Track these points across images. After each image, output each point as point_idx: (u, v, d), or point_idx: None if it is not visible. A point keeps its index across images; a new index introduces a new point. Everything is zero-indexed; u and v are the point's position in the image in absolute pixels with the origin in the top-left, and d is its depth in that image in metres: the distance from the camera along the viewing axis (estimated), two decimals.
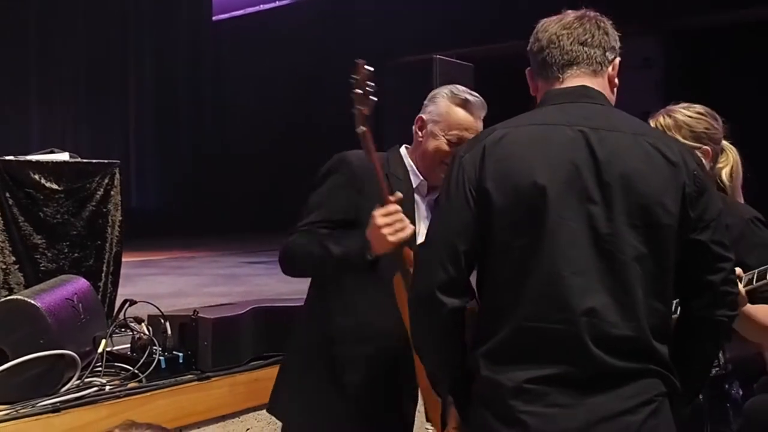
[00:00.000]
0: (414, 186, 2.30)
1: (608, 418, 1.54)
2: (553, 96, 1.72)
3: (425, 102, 2.35)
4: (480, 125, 2.29)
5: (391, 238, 2.03)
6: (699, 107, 2.36)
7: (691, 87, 8.37)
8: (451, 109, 2.27)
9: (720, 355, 2.24)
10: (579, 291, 1.56)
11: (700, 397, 2.20)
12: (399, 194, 2.08)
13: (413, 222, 2.25)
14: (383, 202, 2.05)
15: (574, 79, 1.72)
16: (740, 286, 1.96)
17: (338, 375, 2.22)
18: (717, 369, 2.24)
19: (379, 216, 2.03)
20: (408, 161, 2.33)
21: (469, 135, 2.24)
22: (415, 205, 2.30)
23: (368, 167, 2.21)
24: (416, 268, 1.72)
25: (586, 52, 1.72)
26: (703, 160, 2.28)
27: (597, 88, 1.72)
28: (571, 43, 1.72)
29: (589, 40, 1.72)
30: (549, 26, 1.75)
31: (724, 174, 2.33)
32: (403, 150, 2.37)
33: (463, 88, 2.33)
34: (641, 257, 1.59)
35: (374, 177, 2.18)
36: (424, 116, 2.31)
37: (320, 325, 2.28)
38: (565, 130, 1.63)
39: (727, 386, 2.31)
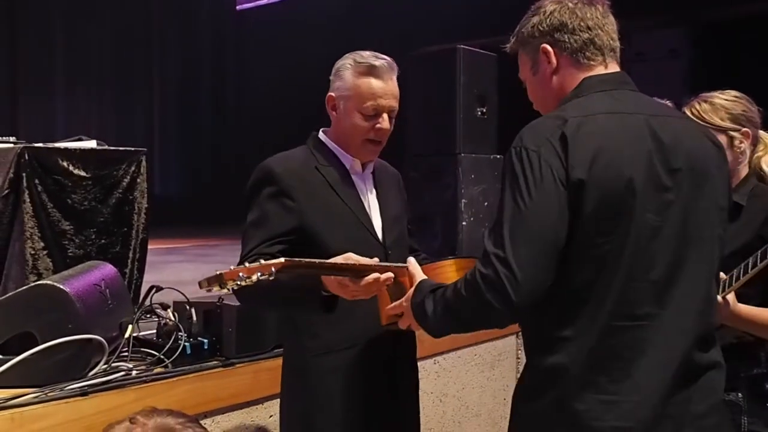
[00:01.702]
0: (348, 167, 2.18)
1: (680, 415, 1.52)
2: (598, 82, 1.66)
3: (331, 77, 2.18)
4: (393, 87, 2.13)
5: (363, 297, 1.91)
6: (733, 92, 2.33)
7: (718, 78, 8.26)
8: (358, 80, 2.11)
9: (762, 354, 2.22)
10: (663, 283, 1.51)
11: (739, 395, 2.19)
12: (375, 260, 1.91)
13: (360, 201, 2.15)
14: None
15: (613, 65, 1.70)
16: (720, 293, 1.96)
17: (327, 388, 2.13)
18: (757, 368, 2.21)
19: (361, 289, 1.86)
20: (332, 145, 2.19)
21: (384, 102, 2.10)
22: (357, 186, 2.18)
23: (292, 170, 2.10)
24: (515, 273, 1.47)
25: (618, 45, 1.72)
26: (745, 143, 2.26)
27: None
28: (612, 31, 1.70)
29: (617, 34, 1.72)
30: (584, 9, 1.69)
31: (764, 163, 2.29)
32: (321, 135, 2.22)
33: (368, 52, 2.16)
34: (714, 241, 1.57)
35: (303, 178, 2.08)
36: (333, 94, 2.16)
37: (301, 338, 2.18)
38: (635, 118, 1.58)
39: (767, 385, 2.26)
